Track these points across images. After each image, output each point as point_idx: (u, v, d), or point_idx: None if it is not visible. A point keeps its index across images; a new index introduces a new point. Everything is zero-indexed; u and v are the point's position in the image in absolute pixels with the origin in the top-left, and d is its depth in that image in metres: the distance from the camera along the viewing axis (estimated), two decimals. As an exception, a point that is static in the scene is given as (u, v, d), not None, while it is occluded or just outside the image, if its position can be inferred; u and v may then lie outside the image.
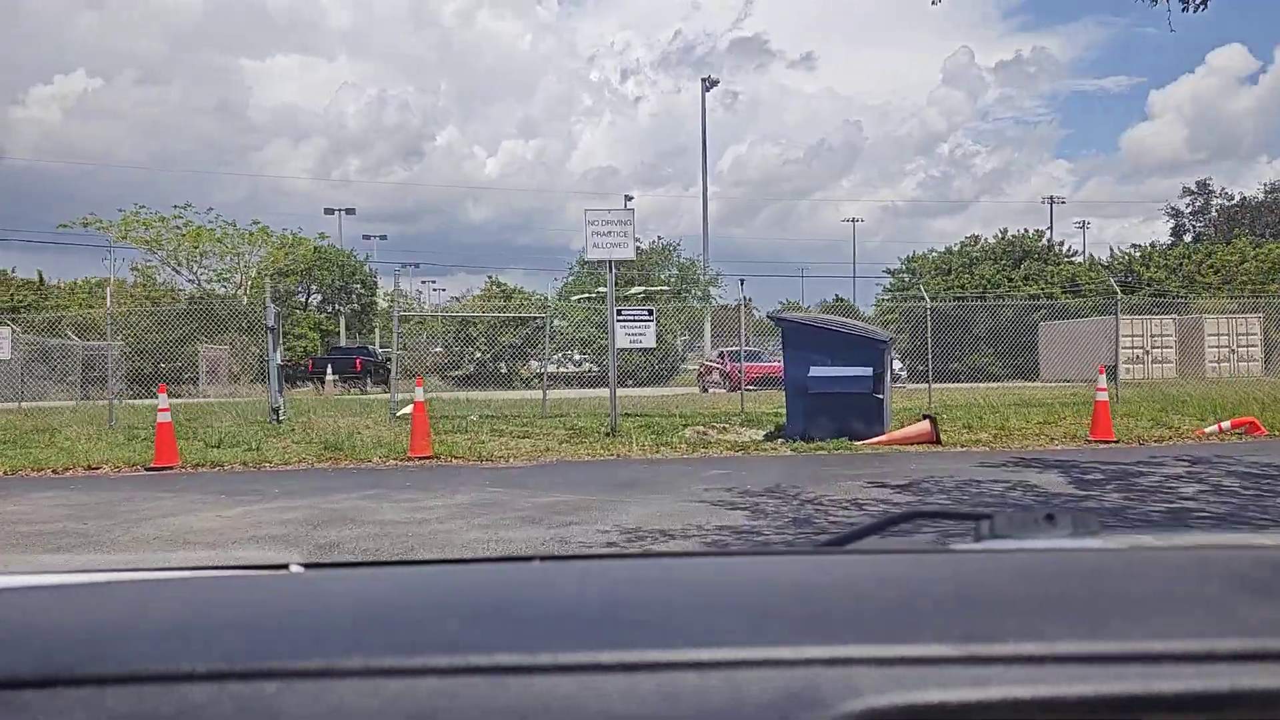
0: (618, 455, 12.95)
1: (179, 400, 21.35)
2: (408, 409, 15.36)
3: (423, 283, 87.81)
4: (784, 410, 14.19)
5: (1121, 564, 0.98)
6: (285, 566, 1.02)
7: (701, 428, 15.18)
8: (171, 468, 12.20)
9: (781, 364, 14.43)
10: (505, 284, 42.74)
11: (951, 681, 0.65)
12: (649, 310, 17.35)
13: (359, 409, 20.78)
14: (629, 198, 55.25)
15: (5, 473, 12.11)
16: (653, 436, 14.29)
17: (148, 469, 12.22)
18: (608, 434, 14.46)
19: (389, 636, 0.73)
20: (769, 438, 14.16)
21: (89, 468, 12.32)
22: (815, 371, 13.32)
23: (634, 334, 16.39)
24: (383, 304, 48.59)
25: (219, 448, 13.70)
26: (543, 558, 1.04)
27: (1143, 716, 0.64)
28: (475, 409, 18.62)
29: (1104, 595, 0.82)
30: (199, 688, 0.65)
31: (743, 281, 61.45)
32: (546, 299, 17.50)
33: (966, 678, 0.65)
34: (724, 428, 15.30)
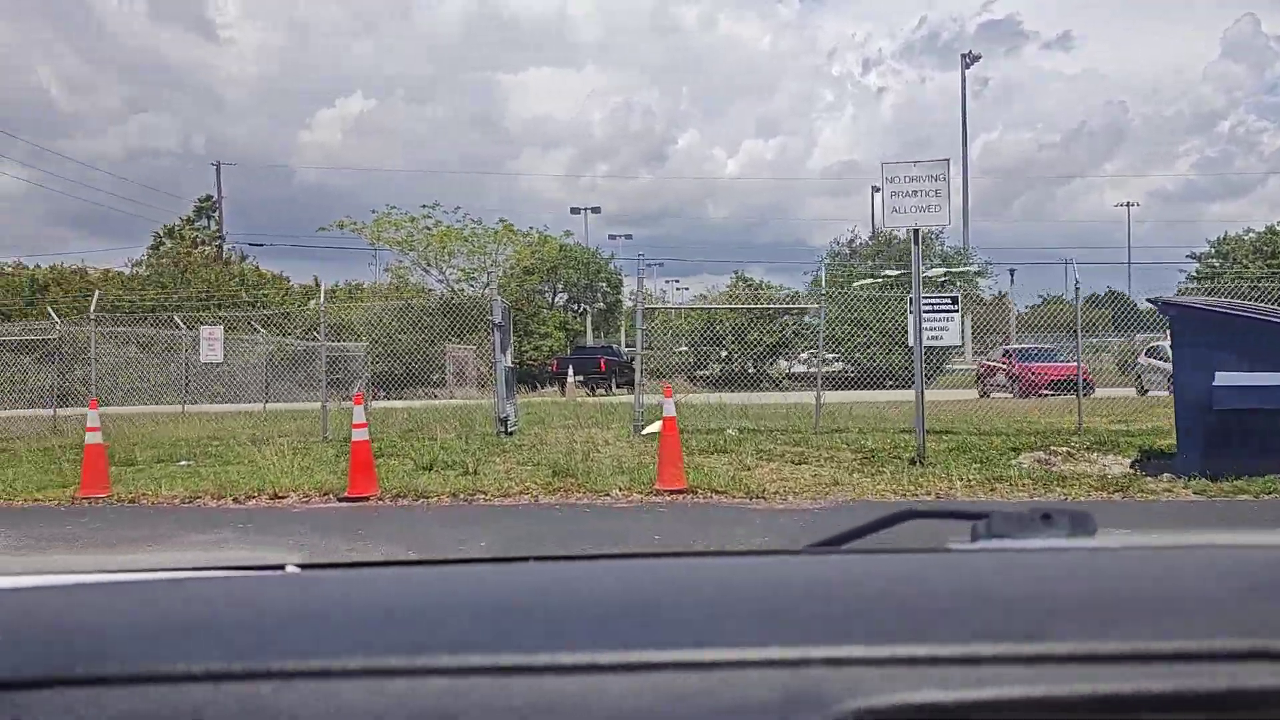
0: (933, 493, 9.32)
1: (417, 403, 19.38)
2: (654, 426, 12.31)
3: (666, 282, 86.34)
4: (1132, 427, 10.12)
5: (1118, 563, 0.95)
6: (282, 567, 0.99)
7: (1041, 454, 11.19)
8: (368, 498, 9.67)
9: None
10: (752, 279, 39.59)
11: (949, 681, 0.64)
12: (953, 298, 13.48)
13: (599, 416, 18.01)
14: (876, 189, 50.66)
15: (183, 499, 9.95)
16: (976, 466, 10.49)
17: (341, 499, 9.73)
18: (912, 461, 10.77)
19: (388, 637, 0.72)
20: (1142, 468, 10.08)
21: (275, 495, 9.96)
22: (1224, 379, 9.13)
23: (933, 327, 12.58)
24: (628, 303, 46.59)
25: (430, 470, 11.11)
26: (539, 558, 1.01)
27: (1140, 715, 0.63)
28: (730, 417, 15.32)
29: (1101, 595, 0.80)
30: (197, 688, 0.65)
31: (1013, 272, 55.16)
32: (822, 283, 13.82)
33: (964, 678, 0.65)
34: (1067, 453, 11.26)
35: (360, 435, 10.06)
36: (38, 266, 43.93)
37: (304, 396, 24.73)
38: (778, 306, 15.62)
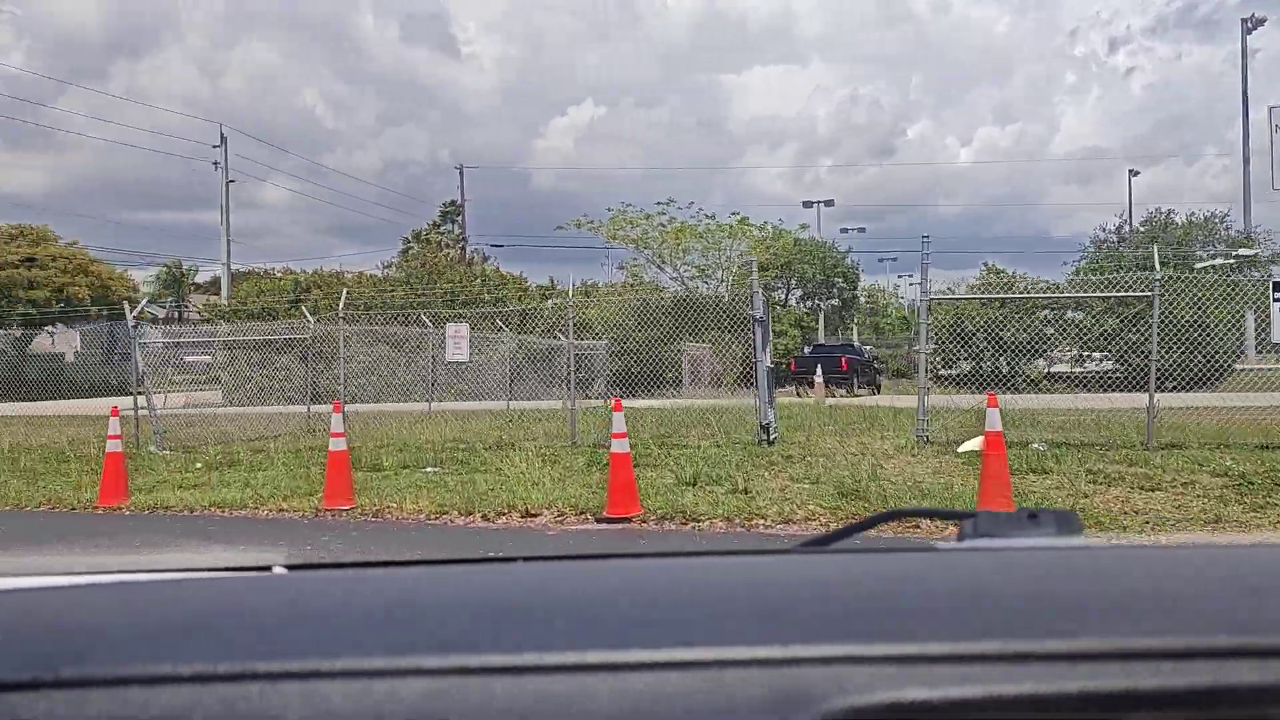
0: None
1: (656, 403, 18.08)
2: (974, 443, 10.32)
3: (899, 277, 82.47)
4: None
5: (1103, 562, 0.94)
6: (268, 569, 0.99)
7: None
8: (630, 519, 8.27)
9: None
10: (1004, 271, 36.17)
11: (937, 679, 0.64)
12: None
13: (862, 421, 16.04)
14: (1134, 172, 45.44)
15: (429, 514, 8.88)
16: None
17: (599, 519, 8.37)
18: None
19: (375, 638, 0.72)
20: None
21: (527, 513, 8.72)
22: None
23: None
24: (865, 298, 43.98)
25: (693, 486, 9.60)
26: (527, 558, 1.01)
27: (1126, 713, 0.63)
28: (1018, 425, 12.98)
29: (1087, 593, 0.80)
30: (184, 690, 0.64)
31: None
32: (1156, 265, 11.29)
33: (952, 676, 0.65)
34: None
35: (620, 446, 8.68)
36: (302, 271, 46.48)
37: (546, 394, 24.11)
38: (1097, 295, 13.15)
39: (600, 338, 26.51)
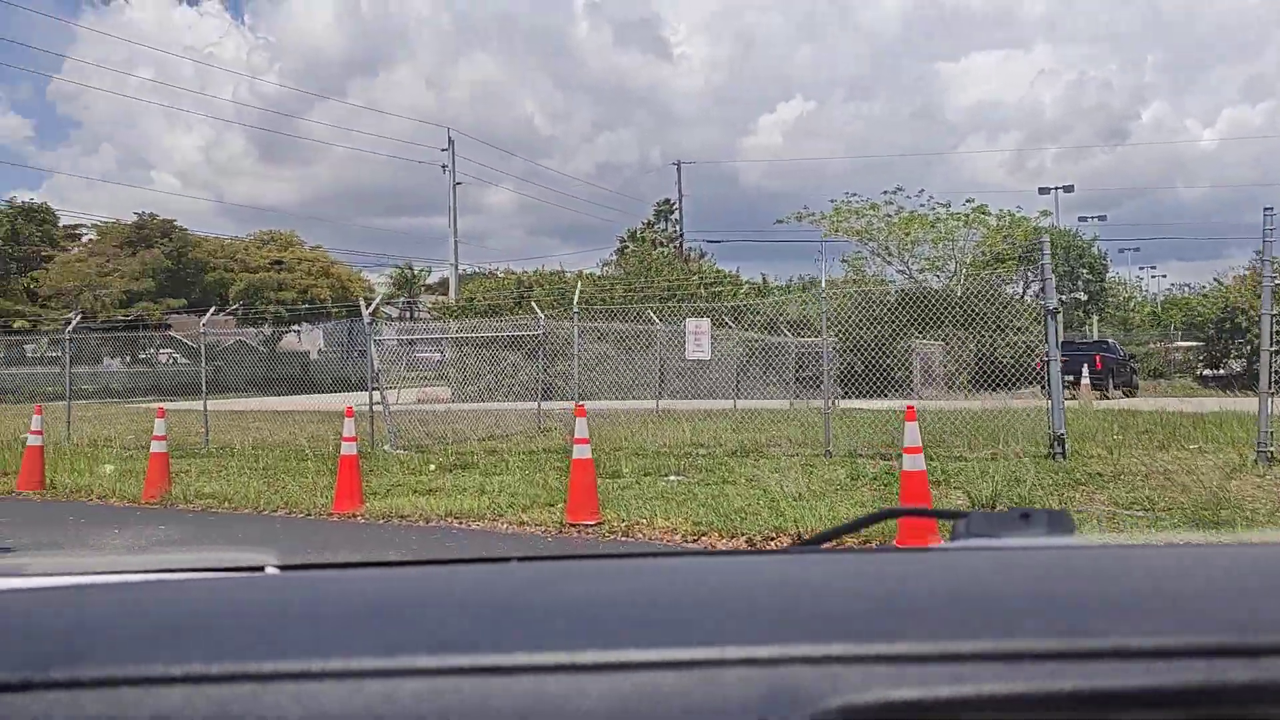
0: None
1: (883, 404, 16.37)
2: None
3: (1140, 269, 75.81)
4: None
5: (1095, 561, 0.94)
6: (261, 569, 0.98)
7: None
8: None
9: None
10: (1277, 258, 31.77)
11: (929, 678, 0.64)
12: None
13: (1158, 429, 13.71)
14: None
15: (685, 535, 7.71)
16: None
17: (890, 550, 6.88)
18: None
19: (368, 638, 0.71)
20: None
21: (799, 539, 7.35)
22: None
23: None
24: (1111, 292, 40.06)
25: (993, 510, 7.91)
26: (521, 558, 1.01)
27: (1119, 711, 0.63)
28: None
29: (1078, 592, 0.80)
30: (176, 690, 0.64)
31: None
32: None
33: (944, 674, 0.65)
34: None
35: (915, 463, 7.18)
36: (523, 271, 47.15)
37: (770, 393, 22.73)
38: None
39: (826, 334, 24.87)
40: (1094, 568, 0.90)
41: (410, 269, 68.64)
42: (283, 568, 1.02)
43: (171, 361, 51.60)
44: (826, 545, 1.16)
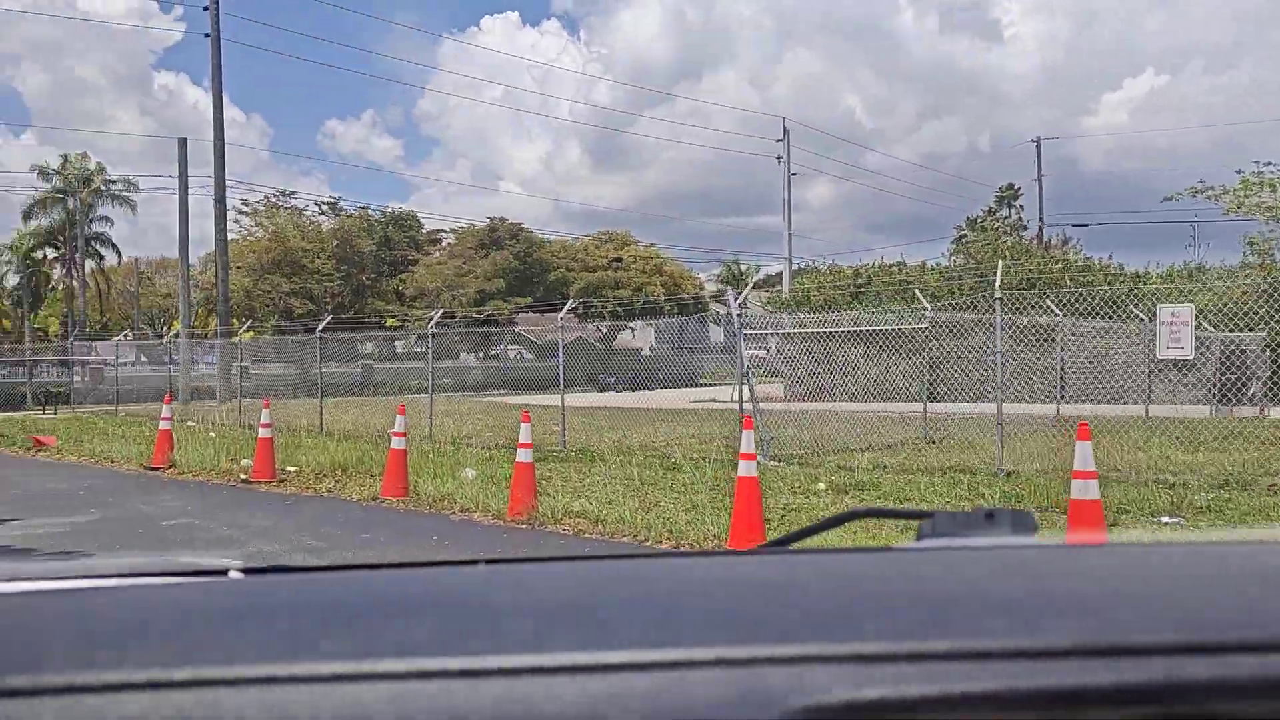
0: None
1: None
2: None
3: None
4: None
5: (1058, 561, 0.95)
6: (225, 572, 0.97)
7: None
8: None
9: None
10: None
11: (896, 678, 0.64)
12: None
13: None
14: None
15: None
16: None
17: None
18: None
19: (334, 642, 0.70)
20: None
21: None
22: None
23: None
24: None
25: None
26: (489, 560, 1.00)
27: (1081, 709, 0.63)
28: None
29: (1041, 591, 0.81)
30: (138, 697, 0.63)
31: None
32: None
33: (910, 674, 0.65)
34: None
35: None
36: (850, 266, 44.40)
37: (1183, 398, 18.58)
38: None
39: (1257, 329, 20.13)
40: (1057, 567, 0.91)
41: (737, 265, 67.65)
42: (247, 571, 0.98)
43: (519, 357, 53.65)
44: (794, 546, 1.14)
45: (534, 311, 47.91)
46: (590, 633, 0.71)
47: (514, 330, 47.36)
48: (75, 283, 47.80)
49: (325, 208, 51.40)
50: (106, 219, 48.95)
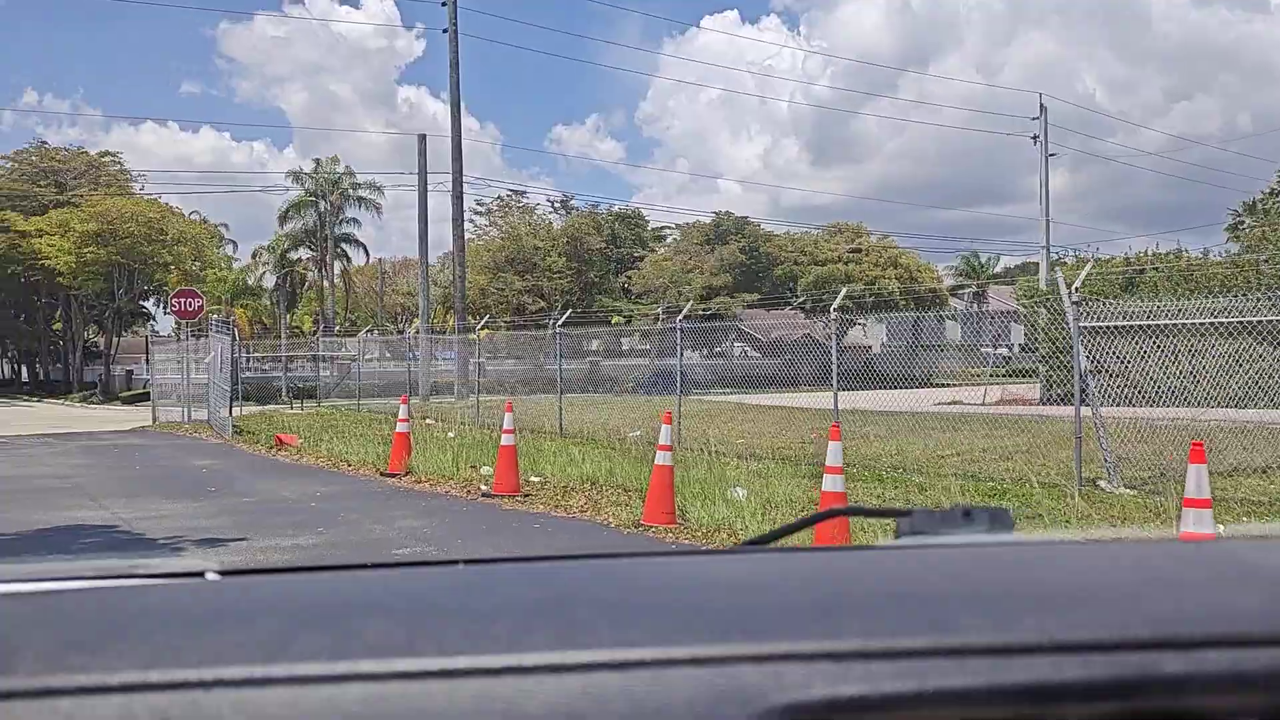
0: None
1: None
2: None
3: None
4: None
5: (1034, 557, 0.95)
6: (201, 574, 0.96)
7: None
8: None
9: None
10: None
11: (874, 675, 0.64)
12: None
13: None
14: None
15: None
16: None
17: None
18: None
19: (310, 642, 0.69)
20: None
21: None
22: None
23: None
24: None
25: None
26: (467, 561, 0.99)
27: (1057, 704, 0.64)
28: None
29: (1018, 588, 0.81)
30: (113, 699, 0.62)
31: None
32: None
33: (888, 671, 0.65)
34: None
35: None
36: (1118, 256, 39.52)
37: None
38: None
39: None
40: (1033, 564, 0.91)
41: (976, 257, 62.84)
42: (223, 573, 0.96)
43: (743, 354, 51.66)
44: (774, 545, 1.12)
45: (760, 307, 45.86)
46: (568, 632, 0.71)
47: (739, 326, 45.41)
48: (325, 282, 49.98)
49: (557, 205, 51.58)
50: (355, 220, 51.07)
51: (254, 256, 53.72)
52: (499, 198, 50.09)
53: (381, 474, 12.10)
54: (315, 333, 43.59)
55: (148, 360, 39.25)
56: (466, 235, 31.84)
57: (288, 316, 51.48)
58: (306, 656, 0.66)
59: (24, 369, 54.14)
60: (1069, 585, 0.82)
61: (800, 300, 45.57)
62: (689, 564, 1.01)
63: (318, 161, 47.78)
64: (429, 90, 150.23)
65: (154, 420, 23.15)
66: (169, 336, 35.17)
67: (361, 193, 48.60)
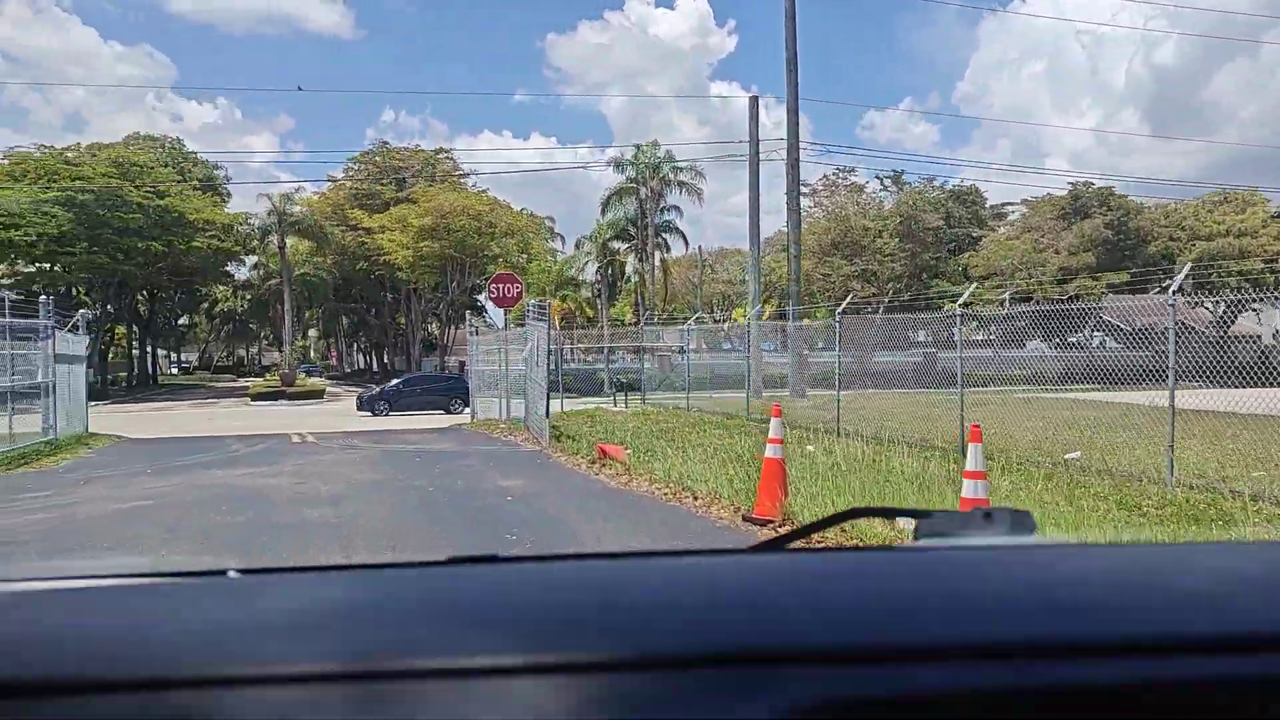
0: None
1: None
2: None
3: None
4: None
5: (1055, 560, 0.93)
6: (224, 573, 0.96)
7: None
8: None
9: None
10: None
11: (890, 676, 0.64)
12: None
13: None
14: None
15: None
16: None
17: None
18: None
19: (330, 641, 0.70)
20: None
21: None
22: None
23: None
24: None
25: None
26: (485, 559, 0.99)
27: (1075, 707, 0.63)
28: None
29: (1038, 590, 0.80)
30: (136, 697, 0.63)
31: None
32: None
33: (905, 672, 0.64)
34: None
35: None
36: None
37: None
38: None
39: None
40: (1053, 567, 0.90)
41: None
42: (244, 572, 0.95)
43: (1101, 345, 43.57)
44: (791, 545, 1.11)
45: (1129, 291, 38.04)
46: (581, 632, 0.70)
47: (1100, 312, 37.85)
48: (645, 271, 47.83)
49: (888, 182, 46.23)
50: (675, 209, 48.53)
51: (577, 246, 52.92)
52: (824, 177, 45.84)
53: (745, 518, 8.19)
54: (637, 322, 41.46)
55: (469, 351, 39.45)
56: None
57: (608, 308, 50.03)
58: (326, 654, 0.66)
59: (374, 359, 56.94)
60: (1090, 588, 0.81)
61: (1169, 283, 37.47)
62: (705, 565, 0.98)
63: (638, 147, 45.66)
64: (740, 85, 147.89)
65: (471, 418, 21.05)
66: (492, 327, 33.88)
67: (682, 177, 45.92)
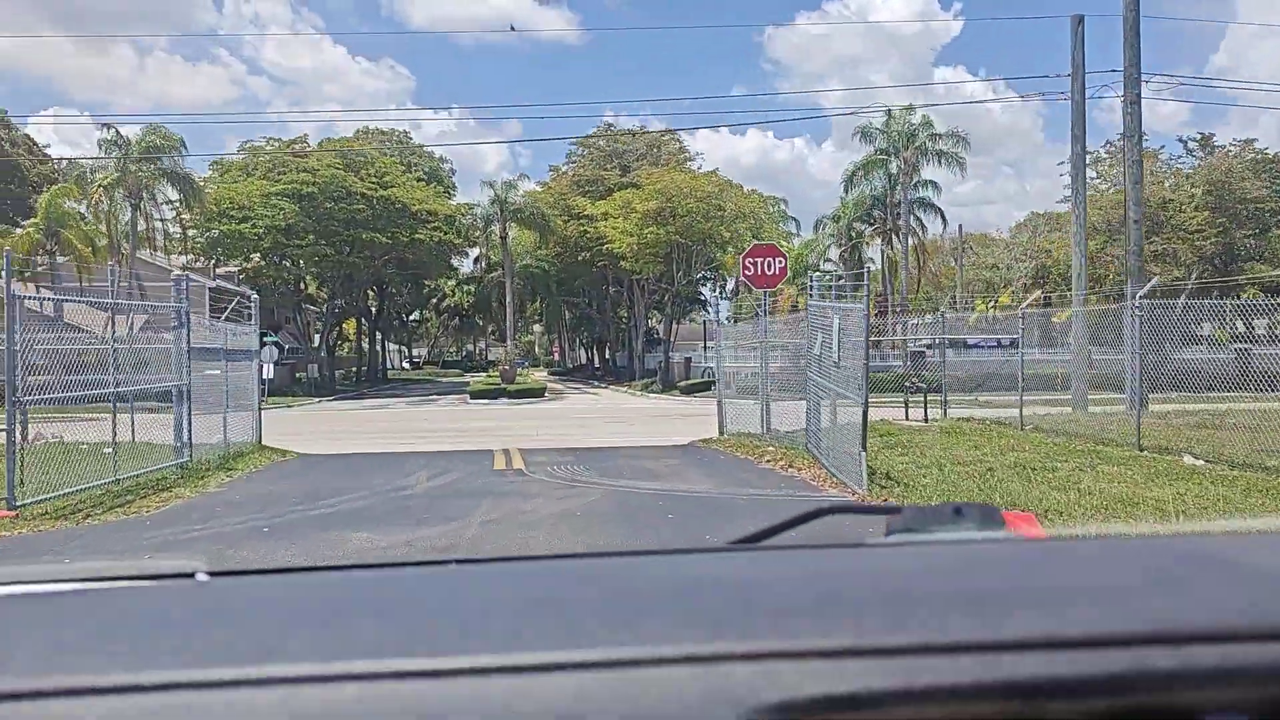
0: None
1: None
2: None
3: None
4: None
5: (1024, 554, 0.93)
6: (191, 575, 0.93)
7: None
8: None
9: None
10: None
11: (865, 672, 0.63)
12: None
13: None
14: None
15: None
16: None
17: None
18: None
19: (300, 643, 0.68)
20: None
21: None
22: None
23: None
24: None
25: None
26: (460, 560, 0.97)
27: (1048, 699, 0.63)
28: None
29: (1008, 585, 0.79)
30: (105, 701, 0.61)
31: None
32: None
33: (879, 668, 0.64)
34: None
35: None
36: None
37: None
38: None
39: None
40: (1022, 561, 0.89)
41: None
42: (213, 574, 0.93)
43: None
44: (765, 543, 1.09)
45: None
46: (560, 631, 0.69)
47: None
48: (897, 254, 41.56)
49: (1193, 145, 37.96)
50: (931, 184, 41.85)
51: (816, 228, 47.22)
52: (1108, 143, 38.06)
53: None
54: (880, 313, 35.57)
55: (705, 346, 35.13)
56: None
57: (854, 296, 43.96)
58: (297, 657, 0.64)
59: (595, 355, 53.80)
60: (1058, 581, 0.80)
61: None
62: (681, 563, 0.97)
63: (889, 112, 39.30)
64: (966, 69, 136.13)
65: (720, 430, 16.04)
66: (714, 322, 29.01)
67: (940, 145, 39.20)
